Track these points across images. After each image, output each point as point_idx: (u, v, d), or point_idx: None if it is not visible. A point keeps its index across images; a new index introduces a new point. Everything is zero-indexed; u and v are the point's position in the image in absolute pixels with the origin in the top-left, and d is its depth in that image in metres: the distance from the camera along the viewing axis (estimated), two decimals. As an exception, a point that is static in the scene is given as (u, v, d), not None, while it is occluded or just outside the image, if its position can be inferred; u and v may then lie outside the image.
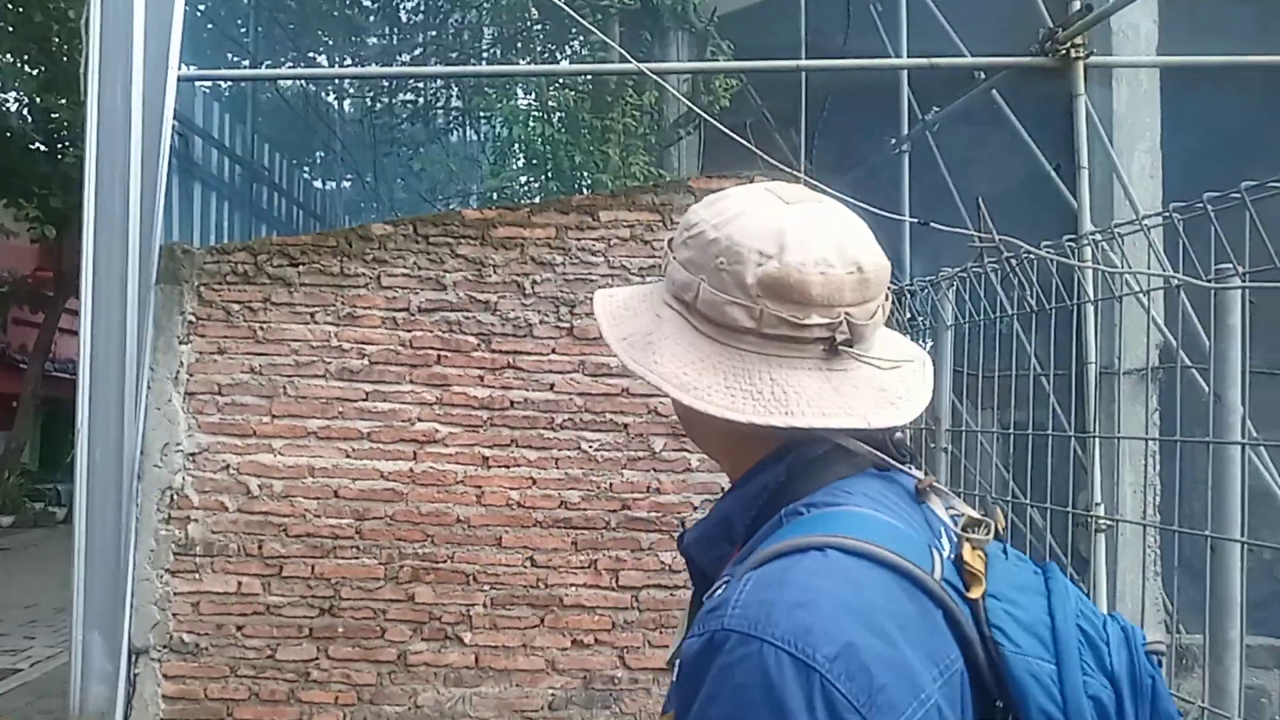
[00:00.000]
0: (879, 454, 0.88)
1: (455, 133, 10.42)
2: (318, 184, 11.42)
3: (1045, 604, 0.82)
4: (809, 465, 0.87)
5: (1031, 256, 3.47)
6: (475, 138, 10.60)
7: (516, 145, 7.92)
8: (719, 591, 0.78)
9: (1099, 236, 3.25)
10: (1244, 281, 2.80)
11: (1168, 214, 2.88)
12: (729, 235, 0.89)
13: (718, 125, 4.60)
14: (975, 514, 0.86)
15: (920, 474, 0.91)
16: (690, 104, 5.61)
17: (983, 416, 4.02)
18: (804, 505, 0.84)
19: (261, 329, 4.00)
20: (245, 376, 3.99)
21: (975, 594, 0.80)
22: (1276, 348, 2.78)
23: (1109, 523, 4.11)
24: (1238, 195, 2.63)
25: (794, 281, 0.86)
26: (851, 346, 0.88)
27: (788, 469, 0.87)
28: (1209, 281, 2.81)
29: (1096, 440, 4.31)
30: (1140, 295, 3.19)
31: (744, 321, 0.87)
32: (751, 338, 0.88)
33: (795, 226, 0.88)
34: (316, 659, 3.89)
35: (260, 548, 3.92)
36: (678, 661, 0.78)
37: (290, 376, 4.01)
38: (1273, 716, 5.37)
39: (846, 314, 0.87)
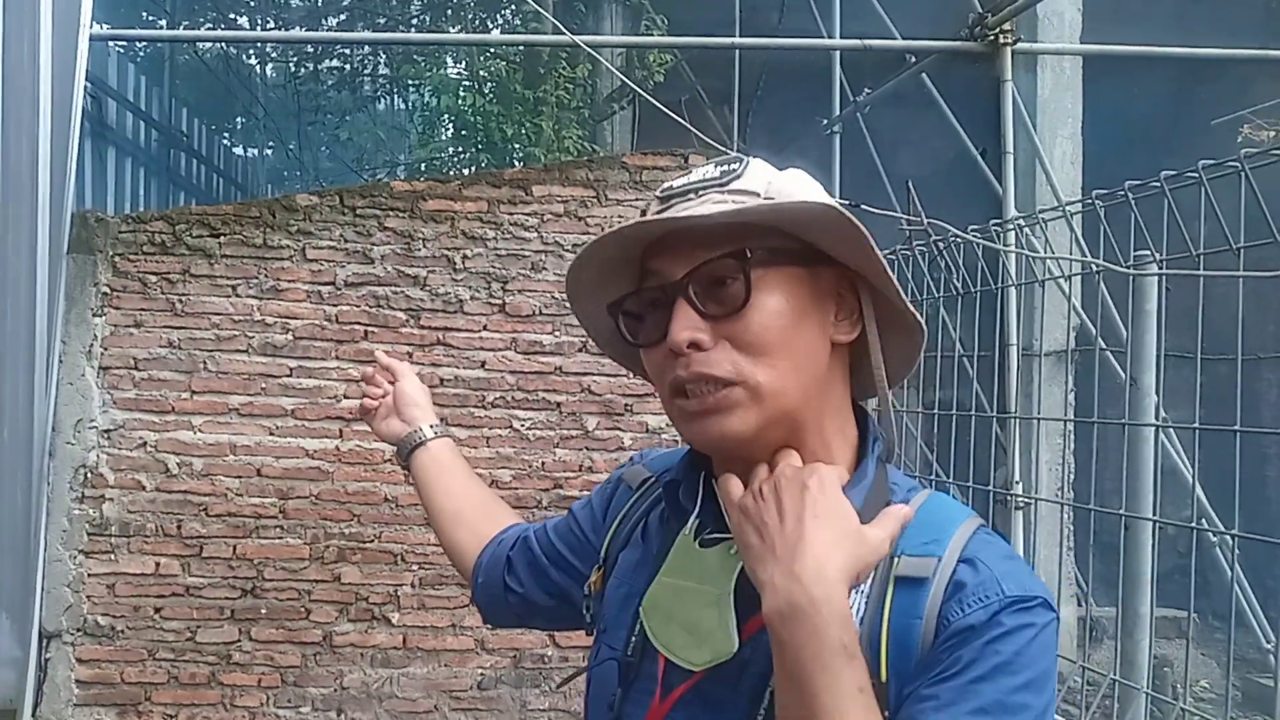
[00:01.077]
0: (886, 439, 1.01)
1: (382, 101, 10.18)
2: (239, 151, 11.06)
3: None
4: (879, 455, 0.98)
5: (959, 240, 3.53)
6: (403, 107, 10.38)
7: (446, 116, 7.77)
8: (938, 571, 0.85)
9: (1024, 222, 3.32)
10: (1161, 268, 2.89)
11: (1090, 200, 2.95)
12: None
13: (652, 101, 4.57)
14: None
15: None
16: (624, 78, 5.56)
17: (907, 396, 4.09)
18: (901, 489, 0.94)
19: (180, 301, 3.87)
20: (163, 351, 3.85)
21: None
22: (1185, 332, 2.88)
23: (1027, 500, 4.23)
24: (1158, 184, 2.71)
25: None
26: None
27: (879, 461, 0.96)
28: (1128, 267, 2.89)
29: (1016, 420, 4.42)
30: (1061, 280, 3.27)
31: None
32: None
33: None
34: (238, 641, 3.81)
35: (179, 528, 3.81)
36: (921, 636, 0.83)
37: (211, 351, 3.88)
38: (1174, 684, 5.61)
39: None
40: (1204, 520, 4.79)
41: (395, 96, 9.66)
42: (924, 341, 0.98)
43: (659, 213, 0.93)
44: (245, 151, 11.34)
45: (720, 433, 0.89)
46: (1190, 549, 2.85)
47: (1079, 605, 5.21)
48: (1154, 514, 2.84)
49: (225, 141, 10.11)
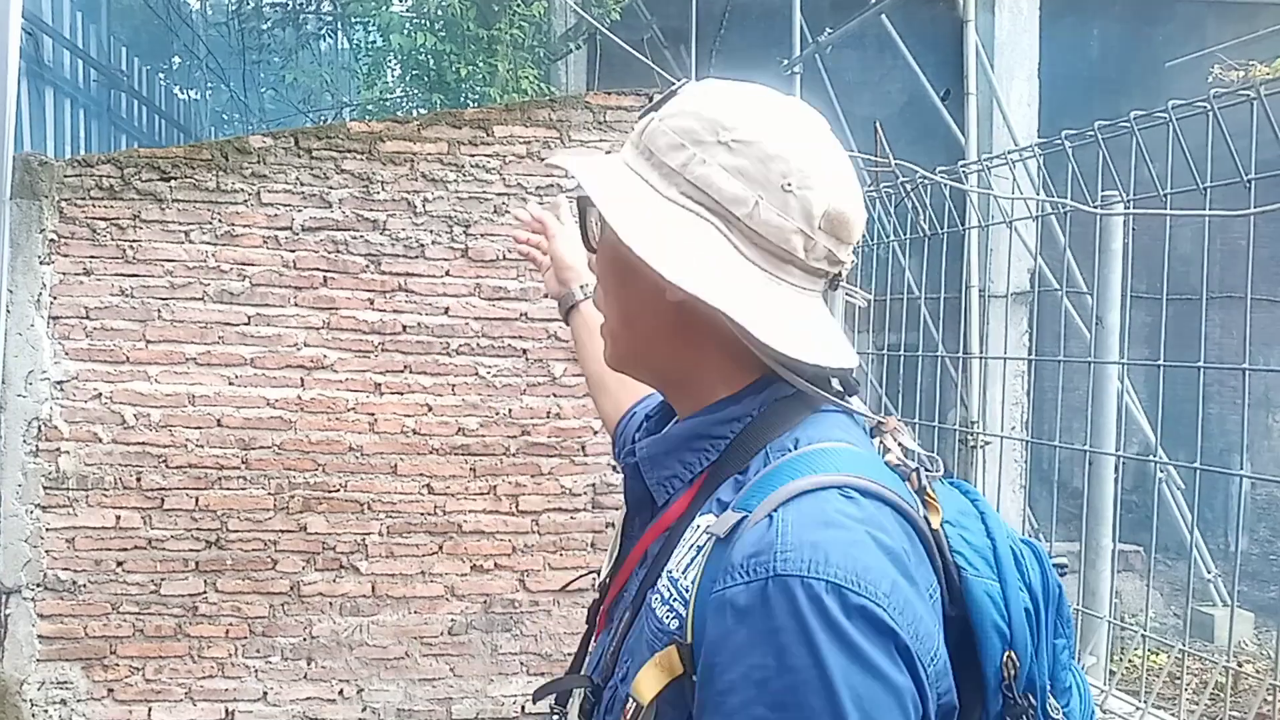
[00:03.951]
0: (823, 392, 0.88)
1: (326, 40, 9.85)
2: (180, 93, 10.64)
3: (983, 527, 0.87)
4: (783, 401, 0.87)
5: (926, 181, 3.54)
6: (347, 46, 10.05)
7: (395, 55, 7.55)
8: (738, 530, 0.76)
9: (991, 163, 3.33)
10: (1128, 208, 2.92)
11: (1059, 141, 2.96)
12: (800, 155, 0.84)
13: (614, 39, 4.48)
14: (919, 449, 0.89)
15: (866, 409, 0.92)
16: (584, 14, 5.43)
17: (858, 339, 4.12)
18: (790, 441, 0.84)
19: (131, 248, 3.74)
20: (115, 299, 3.73)
21: (935, 522, 0.84)
22: (1135, 274, 2.94)
23: (990, 439, 4.31)
24: (1126, 124, 2.72)
25: (850, 218, 0.85)
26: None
27: (764, 404, 0.87)
28: (1096, 207, 2.92)
29: (978, 360, 4.48)
30: (1030, 221, 3.29)
31: (798, 251, 0.84)
32: (795, 269, 0.85)
33: (840, 158, 0.86)
34: (204, 593, 3.76)
35: (139, 480, 3.73)
36: (704, 604, 0.76)
37: (165, 299, 3.77)
38: (1122, 614, 5.82)
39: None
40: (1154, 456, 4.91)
41: (341, 35, 9.35)
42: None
43: (607, 152, 1.00)
44: (187, 93, 10.92)
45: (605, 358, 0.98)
46: (1135, 485, 2.93)
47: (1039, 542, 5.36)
48: (1117, 449, 2.91)
49: (166, 82, 9.73)
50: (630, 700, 0.78)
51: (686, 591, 0.79)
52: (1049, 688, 0.85)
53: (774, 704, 0.70)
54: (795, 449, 0.83)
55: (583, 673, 0.98)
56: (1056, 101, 6.66)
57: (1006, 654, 0.80)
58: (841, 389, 0.91)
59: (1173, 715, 2.46)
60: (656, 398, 1.26)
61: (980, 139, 5.90)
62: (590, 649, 1.00)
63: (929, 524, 0.83)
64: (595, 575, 1.09)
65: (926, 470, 0.87)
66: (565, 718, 0.97)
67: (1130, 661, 3.48)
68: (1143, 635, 2.68)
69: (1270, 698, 2.72)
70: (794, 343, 0.83)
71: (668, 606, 0.80)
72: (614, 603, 0.96)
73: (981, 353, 5.13)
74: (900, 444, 0.89)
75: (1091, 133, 2.80)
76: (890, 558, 0.75)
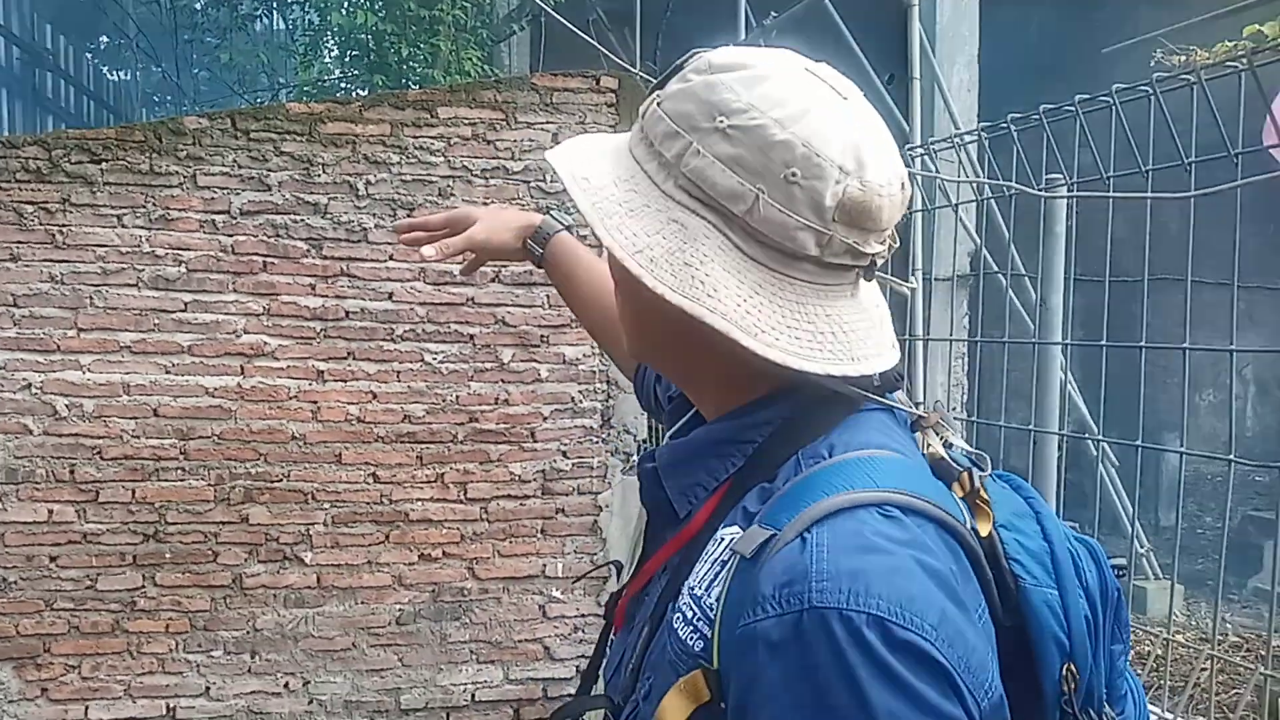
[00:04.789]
0: (868, 393, 0.80)
1: (260, 21, 9.59)
2: (109, 73, 10.27)
3: (1039, 528, 0.81)
4: (819, 402, 0.80)
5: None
6: (283, 26, 9.81)
7: (332, 35, 7.39)
8: (766, 550, 0.70)
9: (939, 146, 3.36)
10: (1071, 190, 2.96)
11: (1005, 125, 2.99)
12: (805, 140, 0.73)
13: (561, 20, 4.43)
14: (968, 445, 0.83)
15: (912, 405, 0.86)
16: (527, -2, 5.36)
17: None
18: (824, 448, 0.77)
19: (61, 233, 3.61)
20: (44, 286, 3.60)
21: (985, 529, 0.78)
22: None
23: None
24: (1071, 108, 2.76)
25: (873, 207, 0.75)
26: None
27: (797, 405, 0.80)
28: (1041, 190, 2.96)
29: (924, 343, 4.53)
30: (979, 203, 3.33)
31: (809, 249, 0.75)
32: (809, 265, 0.76)
33: (866, 134, 0.77)
34: (142, 587, 3.66)
35: (72, 472, 3.61)
36: (730, 631, 0.70)
37: (97, 286, 3.65)
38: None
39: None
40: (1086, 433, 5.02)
41: (277, 14, 9.11)
42: None
43: (554, 135, 0.96)
44: (117, 73, 10.54)
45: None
46: (1070, 464, 2.98)
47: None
48: (1061, 428, 2.97)
49: (94, 62, 9.38)
50: None
51: (711, 610, 0.73)
52: (1105, 696, 0.81)
53: None
54: (830, 456, 0.76)
55: (601, 674, 0.94)
56: (995, 86, 6.75)
57: (1066, 666, 0.76)
58: (880, 384, 0.82)
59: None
60: None
61: (924, 124, 5.96)
62: (609, 646, 0.96)
63: (977, 534, 0.76)
64: (617, 565, 1.06)
65: (979, 469, 0.81)
66: None
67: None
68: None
69: (1206, 668, 2.80)
70: (803, 351, 0.75)
71: (691, 627, 0.74)
72: (633, 601, 0.91)
73: (926, 335, 5.20)
74: (945, 439, 0.82)
75: (1037, 117, 2.83)
76: (937, 582, 0.68)
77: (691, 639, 0.73)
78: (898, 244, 0.81)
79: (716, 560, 0.75)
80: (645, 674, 0.80)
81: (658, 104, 0.79)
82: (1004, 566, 0.77)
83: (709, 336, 0.75)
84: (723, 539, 0.76)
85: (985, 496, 0.79)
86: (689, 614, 0.74)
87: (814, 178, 0.73)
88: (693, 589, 0.76)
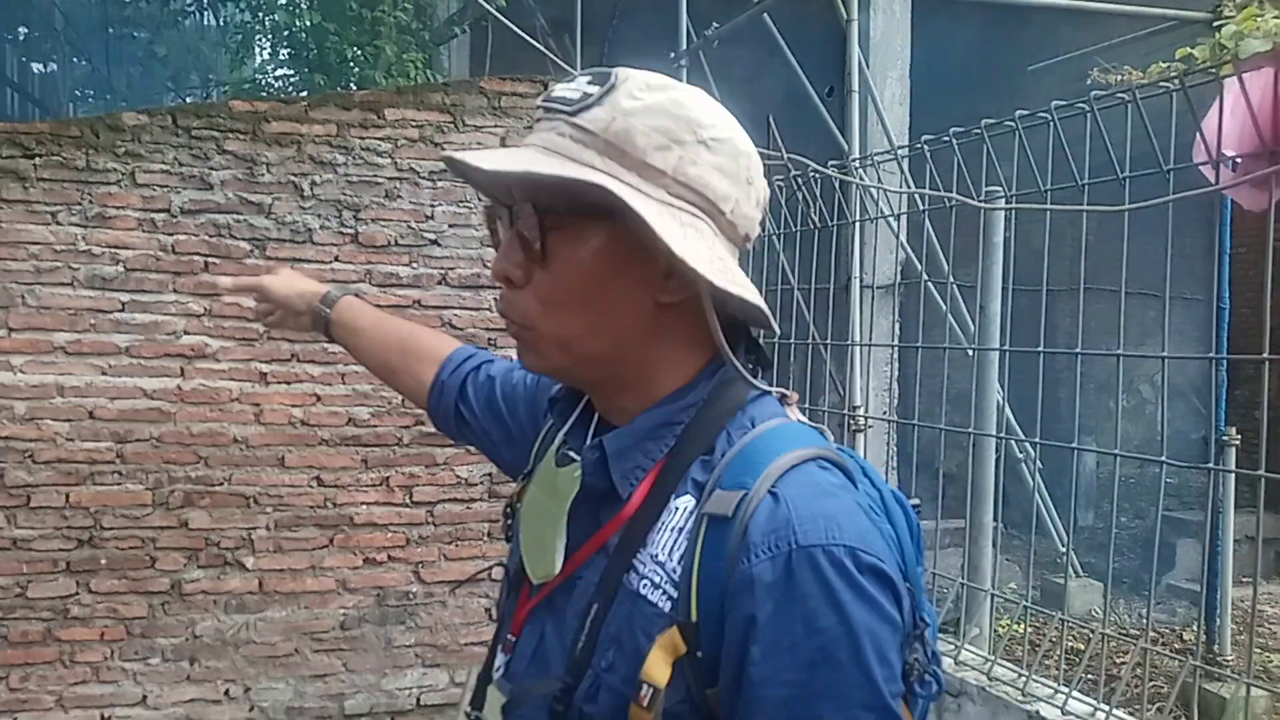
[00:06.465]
0: (746, 375, 0.92)
1: (193, 16, 9.37)
2: (36, 66, 9.88)
3: (867, 479, 0.94)
4: (727, 384, 0.91)
5: (816, 175, 3.64)
6: (215, 24, 9.60)
7: (269, 33, 7.26)
8: (741, 507, 0.80)
9: (882, 158, 3.46)
10: (1010, 203, 3.08)
11: (946, 138, 3.10)
12: (749, 148, 0.90)
13: (506, 22, 4.44)
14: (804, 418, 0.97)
15: (776, 388, 0.96)
16: None
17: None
18: (746, 420, 0.89)
19: (-9, 229, 3.50)
20: (-27, 284, 3.49)
21: None
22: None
23: (874, 422, 4.47)
24: (1011, 123, 2.87)
25: (767, 196, 0.94)
26: None
27: (713, 388, 0.91)
28: (981, 201, 3.07)
29: (861, 349, 4.64)
30: (918, 214, 3.43)
31: (753, 233, 0.92)
32: (738, 250, 0.92)
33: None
34: (76, 594, 3.56)
35: (2, 477, 3.49)
36: (711, 583, 0.80)
37: (29, 284, 3.54)
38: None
39: None
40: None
41: (209, 11, 8.91)
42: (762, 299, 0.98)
43: (503, 139, 1.00)
44: (44, 67, 10.16)
45: (525, 365, 0.95)
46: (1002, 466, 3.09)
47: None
48: (998, 431, 3.08)
49: (18, 55, 9.02)
50: (645, 686, 0.80)
51: (675, 573, 0.82)
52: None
53: (804, 664, 0.75)
54: (753, 426, 0.88)
55: (495, 669, 0.98)
56: (925, 101, 6.94)
57: (906, 587, 0.85)
58: (761, 370, 0.96)
59: (1052, 679, 2.63)
60: (470, 360, 1.32)
61: (861, 136, 6.10)
62: (506, 646, 0.98)
63: None
64: (501, 566, 1.09)
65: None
66: None
67: (996, 631, 3.68)
68: (1025, 606, 2.85)
69: (1141, 661, 2.94)
70: (770, 320, 0.90)
71: (660, 590, 0.83)
72: (559, 591, 0.93)
73: (862, 341, 5.32)
74: (798, 415, 0.96)
75: (978, 130, 2.94)
76: (869, 516, 0.83)
77: (661, 601, 0.82)
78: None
79: (675, 528, 0.85)
80: (604, 647, 0.85)
81: (625, 119, 0.83)
82: None
83: (668, 330, 0.89)
84: (678, 508, 0.85)
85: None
86: (655, 579, 0.83)
87: (757, 177, 0.91)
88: (655, 555, 0.84)
